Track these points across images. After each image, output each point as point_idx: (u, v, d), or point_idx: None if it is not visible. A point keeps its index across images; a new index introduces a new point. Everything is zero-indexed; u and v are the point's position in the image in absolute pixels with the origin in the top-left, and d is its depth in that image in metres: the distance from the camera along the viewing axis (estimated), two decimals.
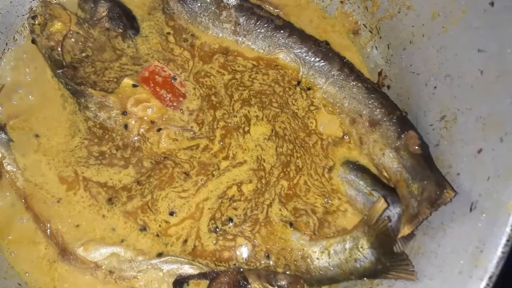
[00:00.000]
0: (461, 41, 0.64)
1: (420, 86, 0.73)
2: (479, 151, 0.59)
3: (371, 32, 0.81)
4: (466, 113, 0.63)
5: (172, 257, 0.67)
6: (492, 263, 0.51)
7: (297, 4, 0.84)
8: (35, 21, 0.77)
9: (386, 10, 0.76)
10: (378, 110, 0.73)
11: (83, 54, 0.79)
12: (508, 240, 0.51)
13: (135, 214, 0.71)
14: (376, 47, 0.81)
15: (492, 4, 0.58)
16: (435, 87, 0.70)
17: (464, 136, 0.63)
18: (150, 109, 0.76)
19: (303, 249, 0.67)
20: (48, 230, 0.68)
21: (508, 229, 0.52)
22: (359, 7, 0.81)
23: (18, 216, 0.71)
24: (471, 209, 0.58)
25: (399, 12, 0.74)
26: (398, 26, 0.75)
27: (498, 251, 0.52)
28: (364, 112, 0.74)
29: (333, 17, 0.84)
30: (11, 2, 0.80)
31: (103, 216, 0.70)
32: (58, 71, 0.77)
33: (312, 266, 0.66)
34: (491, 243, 0.53)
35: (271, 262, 0.67)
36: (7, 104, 0.78)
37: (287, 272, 0.66)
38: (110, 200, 0.72)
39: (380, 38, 0.80)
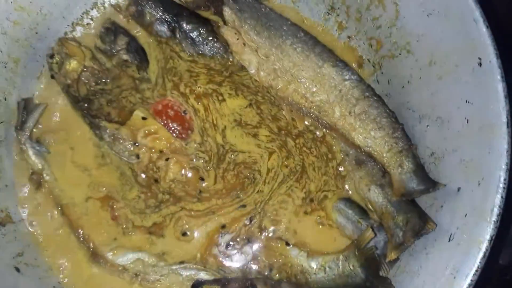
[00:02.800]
0: (452, 90, 0.73)
1: (414, 122, 0.82)
2: (459, 189, 0.70)
3: (374, 67, 0.89)
4: (452, 154, 0.73)
5: (190, 264, 0.77)
6: None
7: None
8: (52, 60, 0.84)
9: (389, 50, 0.85)
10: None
11: (98, 87, 0.86)
12: (476, 271, 0.62)
13: (150, 231, 0.81)
14: (378, 81, 0.89)
15: (480, 64, 0.67)
16: (428, 125, 0.79)
17: (449, 174, 0.73)
18: (159, 140, 0.84)
19: (302, 265, 0.78)
20: (81, 236, 0.78)
21: (477, 261, 0.62)
22: (364, 43, 0.89)
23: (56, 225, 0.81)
24: (449, 239, 0.68)
25: (400, 54, 0.83)
26: (399, 66, 0.84)
27: (468, 279, 0.62)
28: (351, 152, 0.83)
29: (341, 47, 0.93)
30: (48, 29, 0.87)
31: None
32: (74, 105, 0.85)
33: (310, 280, 0.77)
34: (463, 272, 0.63)
35: (274, 275, 0.78)
36: (46, 121, 0.86)
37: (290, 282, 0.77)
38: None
39: (382, 73, 0.88)
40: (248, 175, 0.85)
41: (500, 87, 0.65)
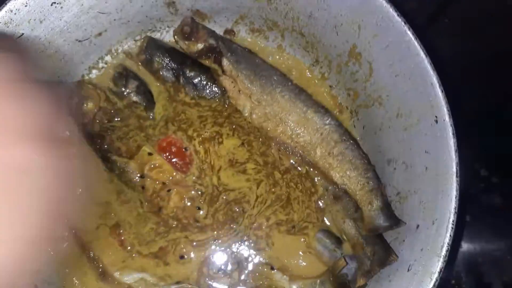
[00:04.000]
0: (414, 141, 0.85)
1: (384, 164, 0.94)
2: (417, 227, 0.82)
3: (351, 113, 1.02)
4: (414, 195, 0.85)
5: (185, 284, 0.89)
6: None
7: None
8: (71, 102, 0.95)
9: (364, 101, 0.97)
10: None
11: (110, 124, 0.97)
12: None
13: (156, 256, 0.93)
14: (354, 126, 1.02)
15: (436, 121, 0.80)
16: (395, 168, 0.92)
17: (410, 212, 0.85)
18: (162, 173, 0.96)
19: (284, 287, 0.90)
20: (92, 257, 0.89)
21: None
22: (343, 93, 1.02)
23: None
24: (408, 270, 0.80)
25: (373, 105, 0.95)
26: (372, 115, 0.96)
27: None
28: (330, 188, 0.96)
29: (324, 94, 1.06)
30: (68, 73, 0.99)
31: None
32: (89, 141, 0.97)
33: None
34: None
35: None
36: None
37: None
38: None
39: (358, 119, 1.01)
40: (237, 210, 0.96)
41: (451, 142, 0.78)
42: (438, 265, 0.74)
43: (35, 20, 0.86)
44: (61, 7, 0.87)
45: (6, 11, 0.82)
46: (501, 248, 1.27)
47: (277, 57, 1.05)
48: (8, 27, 0.83)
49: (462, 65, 1.27)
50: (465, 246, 1.27)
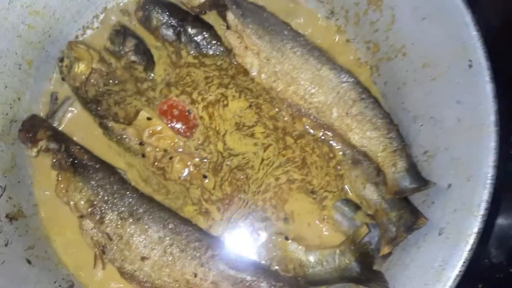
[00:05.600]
0: (444, 91, 0.76)
1: (409, 122, 0.85)
2: (449, 186, 0.73)
3: (371, 69, 0.93)
4: (444, 153, 0.76)
5: None
6: (450, 280, 0.65)
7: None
8: (62, 63, 0.89)
9: (385, 53, 0.88)
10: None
11: (106, 88, 0.89)
12: (464, 262, 0.65)
13: None
14: (375, 82, 0.93)
15: (470, 66, 0.71)
16: (422, 125, 0.82)
17: (440, 171, 0.76)
18: (163, 140, 0.88)
19: (300, 259, 0.81)
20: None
21: (465, 253, 0.66)
22: (362, 46, 0.93)
23: None
24: (439, 234, 0.71)
25: (396, 57, 0.86)
26: (394, 68, 0.87)
27: (456, 270, 0.66)
28: (348, 151, 0.87)
29: (340, 49, 0.96)
30: (60, 32, 0.91)
31: None
32: (84, 106, 0.90)
33: (308, 273, 0.80)
34: (451, 263, 0.66)
35: (275, 268, 0.81)
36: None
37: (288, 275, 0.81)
38: None
39: (379, 75, 0.92)
40: (242, 177, 0.88)
41: (489, 88, 0.68)
42: (475, 225, 0.65)
43: None
44: None
45: None
46: None
47: (287, 9, 0.95)
48: None
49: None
50: (501, 223, 1.17)
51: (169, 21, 0.93)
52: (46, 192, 0.88)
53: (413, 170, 0.80)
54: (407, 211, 0.77)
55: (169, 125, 0.90)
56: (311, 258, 0.82)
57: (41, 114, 0.91)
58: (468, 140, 0.71)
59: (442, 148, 0.77)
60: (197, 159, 0.90)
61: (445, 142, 0.76)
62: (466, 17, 0.70)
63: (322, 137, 0.91)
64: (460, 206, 0.69)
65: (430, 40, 0.77)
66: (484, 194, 0.66)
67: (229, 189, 0.88)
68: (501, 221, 1.14)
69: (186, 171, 0.89)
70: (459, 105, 0.73)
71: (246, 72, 0.91)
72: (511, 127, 1.17)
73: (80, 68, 0.88)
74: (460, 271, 0.65)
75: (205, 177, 0.89)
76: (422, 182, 0.77)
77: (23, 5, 0.83)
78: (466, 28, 0.70)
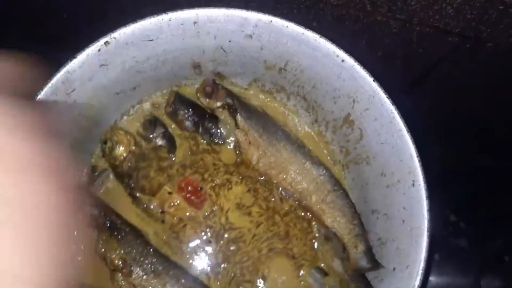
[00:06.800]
0: (395, 197, 1.02)
1: (368, 213, 1.12)
2: (394, 269, 1.00)
3: (342, 166, 1.21)
4: (392, 242, 1.03)
5: None
6: None
7: None
8: (105, 145, 1.11)
9: (354, 158, 1.16)
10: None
11: (136, 165, 1.12)
12: None
13: None
14: (345, 177, 1.21)
15: (413, 185, 0.99)
16: (377, 218, 1.10)
17: (389, 256, 1.03)
18: (180, 210, 1.12)
19: None
20: None
21: None
22: (337, 149, 1.21)
23: None
24: None
25: (361, 163, 1.13)
26: (360, 171, 1.14)
27: None
28: (322, 230, 1.14)
29: (321, 149, 1.24)
30: (104, 118, 1.15)
31: None
32: (118, 179, 1.13)
33: None
34: None
35: None
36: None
37: None
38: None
39: (348, 172, 1.19)
40: (232, 248, 1.13)
41: (425, 203, 0.96)
42: None
43: (85, 78, 1.02)
44: (107, 68, 1.04)
45: (64, 72, 0.98)
46: (465, 284, 1.46)
47: (282, 114, 1.23)
48: (64, 84, 0.99)
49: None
50: (433, 280, 1.47)
51: (192, 116, 1.18)
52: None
53: (369, 253, 1.08)
54: (363, 284, 1.04)
55: (184, 198, 1.15)
56: None
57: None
58: (409, 238, 0.98)
59: (391, 239, 1.04)
60: (204, 227, 1.14)
61: (393, 235, 1.03)
62: (412, 151, 0.98)
63: (303, 215, 1.18)
64: (400, 286, 0.96)
65: (387, 158, 1.04)
66: (417, 281, 0.92)
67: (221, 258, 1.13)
68: (436, 280, 1.45)
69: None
70: (404, 210, 1.01)
71: (247, 165, 1.17)
72: (451, 209, 1.51)
73: (120, 150, 1.12)
74: None
75: (210, 242, 1.14)
76: (375, 264, 1.05)
77: (83, 101, 1.07)
78: (411, 158, 0.98)
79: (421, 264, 0.94)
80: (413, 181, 0.98)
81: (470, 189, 1.51)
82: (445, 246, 1.50)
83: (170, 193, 1.14)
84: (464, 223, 1.51)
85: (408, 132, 0.99)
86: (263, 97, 1.24)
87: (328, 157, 1.23)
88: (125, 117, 1.20)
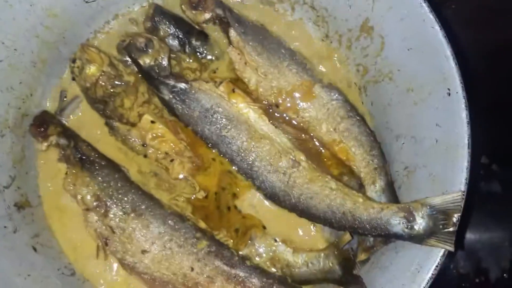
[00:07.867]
0: (425, 115, 0.85)
1: (392, 139, 0.94)
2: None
3: (359, 89, 1.01)
4: (422, 169, 0.85)
5: None
6: (424, 281, 0.74)
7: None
8: (74, 64, 0.94)
9: (373, 76, 0.97)
10: None
11: (113, 90, 0.94)
12: (437, 266, 0.74)
13: None
14: (362, 102, 1.01)
15: (448, 94, 0.80)
16: (403, 143, 0.91)
17: (418, 186, 0.85)
18: (165, 143, 0.94)
19: (288, 259, 0.88)
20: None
21: (438, 259, 0.74)
22: (352, 68, 1.01)
23: None
24: None
25: (383, 80, 0.94)
26: (381, 91, 0.95)
27: (429, 273, 0.74)
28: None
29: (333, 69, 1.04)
30: (74, 34, 0.97)
31: None
32: (92, 105, 0.96)
33: (294, 273, 0.88)
34: (426, 267, 0.75)
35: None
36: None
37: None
38: None
39: (366, 96, 1.00)
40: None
41: (464, 114, 0.77)
42: None
43: None
44: None
45: None
46: (499, 236, 1.27)
47: (285, 30, 1.03)
48: None
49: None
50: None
51: (175, 33, 0.99)
52: (49, 185, 0.93)
53: (390, 189, 0.89)
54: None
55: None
56: (298, 260, 0.89)
57: (50, 110, 0.96)
58: (444, 159, 0.80)
59: (420, 165, 0.86)
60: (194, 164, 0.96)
61: (424, 160, 0.85)
62: (447, 51, 0.79)
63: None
64: None
65: (415, 68, 0.86)
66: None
67: None
68: (469, 235, 1.25)
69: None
70: (438, 127, 0.82)
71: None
72: (483, 150, 1.30)
73: (91, 70, 0.93)
74: (433, 274, 0.73)
75: None
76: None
77: (43, 8, 0.88)
78: (447, 60, 0.79)
79: (462, 188, 0.75)
80: (448, 89, 0.80)
81: (505, 127, 1.30)
82: (476, 192, 1.30)
83: (152, 122, 0.95)
84: (497, 165, 1.30)
85: (441, 28, 0.80)
86: (262, 7, 1.03)
87: (342, 80, 1.03)
88: (99, 35, 1.01)
